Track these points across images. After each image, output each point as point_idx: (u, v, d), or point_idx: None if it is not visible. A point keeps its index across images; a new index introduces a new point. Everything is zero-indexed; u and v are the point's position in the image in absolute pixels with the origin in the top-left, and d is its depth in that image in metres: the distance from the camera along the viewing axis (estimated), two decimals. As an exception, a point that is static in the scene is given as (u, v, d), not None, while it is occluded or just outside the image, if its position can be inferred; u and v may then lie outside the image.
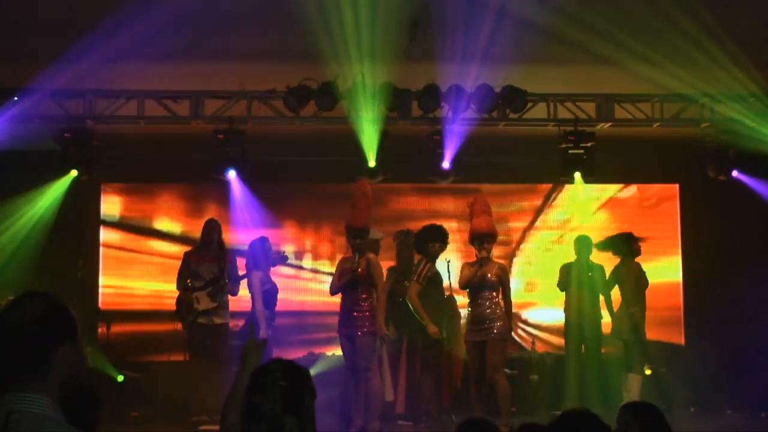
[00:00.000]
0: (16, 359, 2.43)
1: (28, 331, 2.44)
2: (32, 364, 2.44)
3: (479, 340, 8.62)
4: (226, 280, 9.45)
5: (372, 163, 10.01)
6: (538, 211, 11.99)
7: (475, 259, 8.77)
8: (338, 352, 9.59)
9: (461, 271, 8.80)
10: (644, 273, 9.75)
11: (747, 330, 10.20)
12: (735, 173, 10.59)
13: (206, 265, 9.56)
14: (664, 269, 11.51)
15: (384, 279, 8.87)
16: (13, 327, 2.45)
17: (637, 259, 9.81)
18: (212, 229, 9.73)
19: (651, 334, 9.83)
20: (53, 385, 2.44)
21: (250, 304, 8.77)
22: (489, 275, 8.65)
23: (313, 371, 3.09)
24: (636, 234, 9.95)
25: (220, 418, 3.27)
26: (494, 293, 8.69)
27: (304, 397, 2.82)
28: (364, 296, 8.41)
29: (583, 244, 9.83)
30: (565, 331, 9.88)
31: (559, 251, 11.33)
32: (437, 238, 9.33)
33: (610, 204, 11.95)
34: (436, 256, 9.35)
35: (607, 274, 9.73)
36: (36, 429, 2.35)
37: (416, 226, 9.88)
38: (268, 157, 10.61)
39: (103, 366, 9.89)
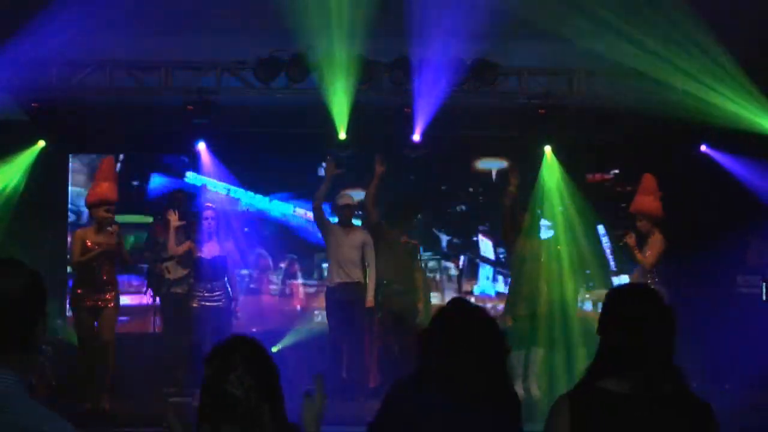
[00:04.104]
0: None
1: (18, 302, 2.27)
2: (16, 338, 2.27)
3: None
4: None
5: (342, 136, 10.00)
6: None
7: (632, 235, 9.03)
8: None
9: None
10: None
11: (712, 304, 10.30)
12: (703, 148, 10.67)
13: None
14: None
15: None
16: None
17: None
18: (177, 199, 9.72)
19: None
20: (30, 358, 2.31)
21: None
22: None
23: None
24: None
25: None
26: None
27: (270, 375, 2.61)
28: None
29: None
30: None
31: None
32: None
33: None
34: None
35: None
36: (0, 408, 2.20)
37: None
38: (238, 129, 10.54)
39: (71, 338, 9.84)
